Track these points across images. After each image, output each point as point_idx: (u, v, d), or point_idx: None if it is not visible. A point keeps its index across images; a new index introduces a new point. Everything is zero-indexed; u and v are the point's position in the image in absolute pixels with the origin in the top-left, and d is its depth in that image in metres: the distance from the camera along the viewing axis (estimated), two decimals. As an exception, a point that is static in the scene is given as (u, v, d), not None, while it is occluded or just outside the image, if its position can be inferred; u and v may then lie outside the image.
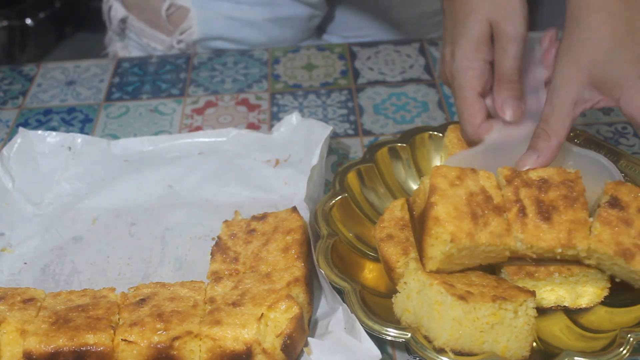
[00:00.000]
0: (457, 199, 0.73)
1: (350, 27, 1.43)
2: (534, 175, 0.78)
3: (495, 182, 0.77)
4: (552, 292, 0.79)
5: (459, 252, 0.73)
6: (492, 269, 0.84)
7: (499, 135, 0.85)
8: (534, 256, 0.76)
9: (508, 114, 0.84)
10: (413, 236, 0.77)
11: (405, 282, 0.76)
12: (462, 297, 0.70)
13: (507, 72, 0.83)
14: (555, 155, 0.80)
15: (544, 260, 0.77)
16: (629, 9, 0.78)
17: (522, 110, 0.84)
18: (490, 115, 0.86)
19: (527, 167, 0.79)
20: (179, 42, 1.31)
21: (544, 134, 0.80)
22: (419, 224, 0.74)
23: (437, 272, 0.74)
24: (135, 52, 1.38)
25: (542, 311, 0.78)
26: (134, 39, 1.37)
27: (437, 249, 0.72)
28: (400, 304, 0.77)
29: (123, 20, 1.36)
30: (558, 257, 0.76)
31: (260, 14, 1.30)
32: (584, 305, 0.79)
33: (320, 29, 1.44)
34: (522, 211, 0.75)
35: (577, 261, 0.77)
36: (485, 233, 0.73)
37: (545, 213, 0.75)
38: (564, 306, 0.80)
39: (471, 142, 0.88)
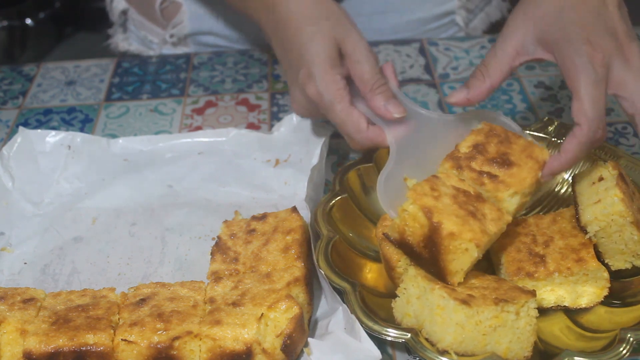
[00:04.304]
0: (450, 208, 0.74)
1: None
2: (464, 148, 0.80)
3: (454, 177, 0.79)
4: (552, 292, 0.79)
5: (481, 252, 0.74)
6: (491, 269, 0.84)
7: (394, 135, 0.86)
8: (527, 198, 0.78)
9: (396, 113, 0.85)
10: (416, 263, 0.77)
11: (404, 288, 0.76)
12: (464, 302, 0.70)
13: (372, 79, 0.86)
14: (484, 96, 0.82)
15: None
16: None
17: (403, 105, 0.86)
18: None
19: (454, 99, 0.82)
20: (171, 36, 1.32)
21: (479, 75, 0.82)
22: (425, 248, 0.74)
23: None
24: (135, 45, 1.40)
25: (542, 311, 0.77)
26: (133, 32, 1.39)
27: (462, 260, 0.73)
28: (400, 308, 0.77)
29: (124, 12, 1.37)
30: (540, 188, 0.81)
31: None
32: (584, 305, 0.80)
33: None
34: (491, 175, 0.78)
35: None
36: (489, 223, 0.74)
37: (504, 162, 0.78)
38: (564, 306, 0.80)
39: (363, 151, 0.92)
